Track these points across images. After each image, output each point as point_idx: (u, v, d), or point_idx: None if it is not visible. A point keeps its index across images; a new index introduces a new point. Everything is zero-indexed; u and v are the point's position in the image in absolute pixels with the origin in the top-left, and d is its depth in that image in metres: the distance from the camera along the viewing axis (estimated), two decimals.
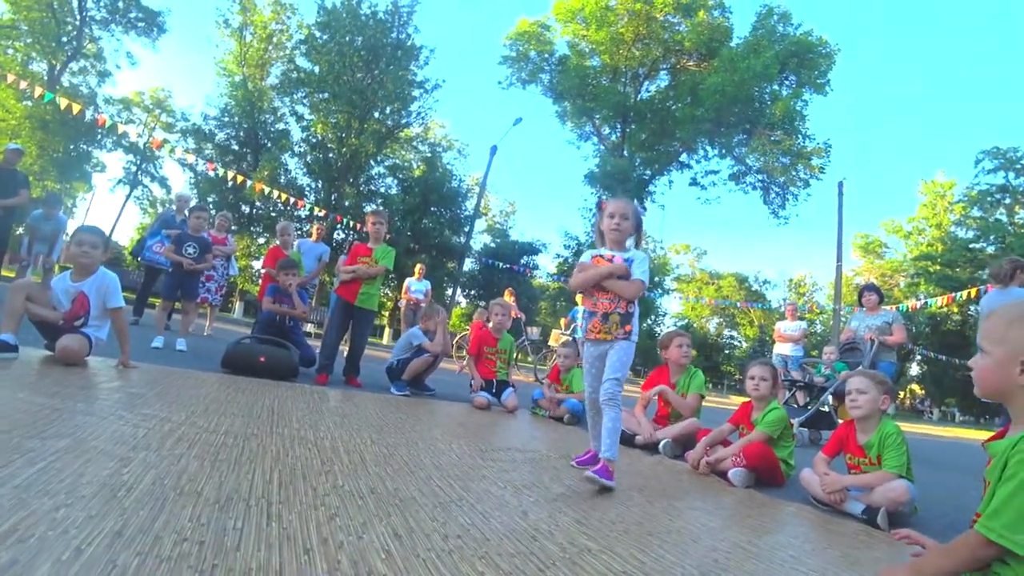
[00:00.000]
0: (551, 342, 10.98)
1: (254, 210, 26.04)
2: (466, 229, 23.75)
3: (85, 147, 25.12)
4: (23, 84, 12.08)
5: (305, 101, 25.28)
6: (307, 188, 25.52)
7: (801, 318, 9.64)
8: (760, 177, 26.83)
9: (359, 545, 1.27)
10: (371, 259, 4.67)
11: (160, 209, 32.23)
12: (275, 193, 16.65)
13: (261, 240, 25.79)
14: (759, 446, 3.08)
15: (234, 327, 11.63)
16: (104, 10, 25.27)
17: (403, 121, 26.00)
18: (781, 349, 8.84)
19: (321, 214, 16.97)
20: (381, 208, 6.48)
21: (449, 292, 22.17)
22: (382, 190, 26.15)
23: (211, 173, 21.13)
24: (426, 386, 5.03)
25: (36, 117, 21.72)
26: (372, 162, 25.61)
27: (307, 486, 1.66)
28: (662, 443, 3.73)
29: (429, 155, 29.02)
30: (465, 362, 9.63)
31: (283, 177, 25.40)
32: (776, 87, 24.41)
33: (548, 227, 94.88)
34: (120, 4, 25.33)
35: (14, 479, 1.30)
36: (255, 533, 1.24)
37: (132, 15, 25.95)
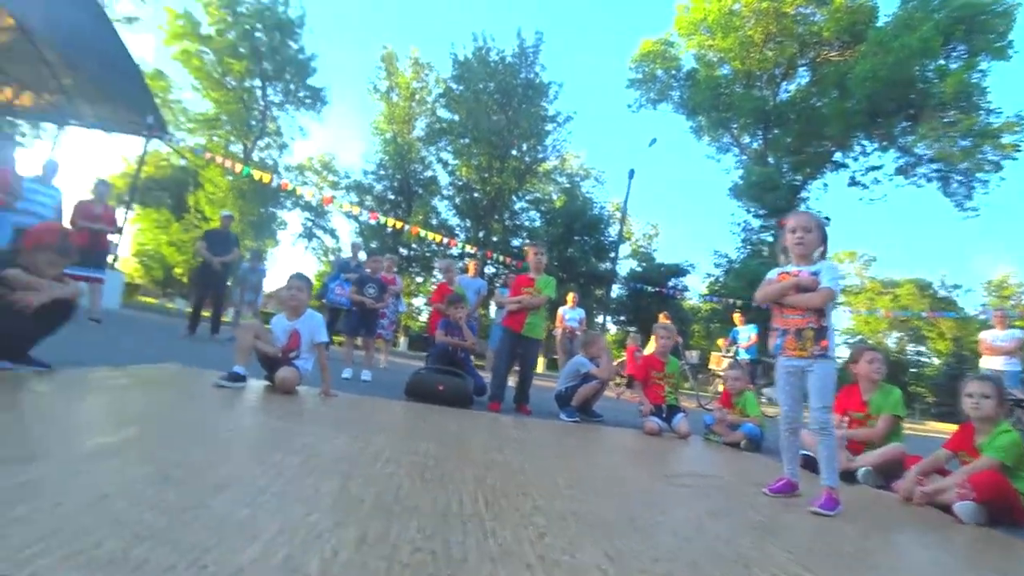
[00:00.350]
0: (711, 365, 10.45)
1: (411, 252, 28.30)
2: (611, 255, 23.63)
3: (272, 209, 29.19)
4: (227, 163, 14.45)
5: (448, 148, 27.19)
6: (457, 228, 27.21)
7: (1012, 326, 8.19)
8: (935, 166, 23.21)
9: (574, 563, 1.29)
10: (534, 289, 4.82)
11: (332, 257, 36.26)
12: (429, 235, 17.95)
13: (419, 279, 27.84)
14: (991, 475, 2.64)
15: (402, 360, 12.55)
16: (280, 94, 29.81)
17: (540, 156, 26.91)
18: (990, 363, 7.56)
19: (472, 251, 17.92)
20: (539, 240, 6.68)
21: (599, 319, 22.09)
22: (526, 223, 27.08)
23: (373, 222, 23.35)
24: (594, 412, 5.03)
25: (236, 188, 25.99)
26: (514, 197, 26.71)
27: (511, 506, 1.72)
28: (861, 471, 3.35)
29: (568, 186, 29.61)
30: (621, 388, 9.50)
31: (435, 219, 27.33)
32: (942, 62, 20.97)
33: (695, 247, 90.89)
34: (291, 87, 29.65)
35: (271, 487, 1.51)
36: (477, 547, 1.31)
37: (301, 94, 30.18)
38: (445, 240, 18.21)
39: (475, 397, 4.75)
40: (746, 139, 27.07)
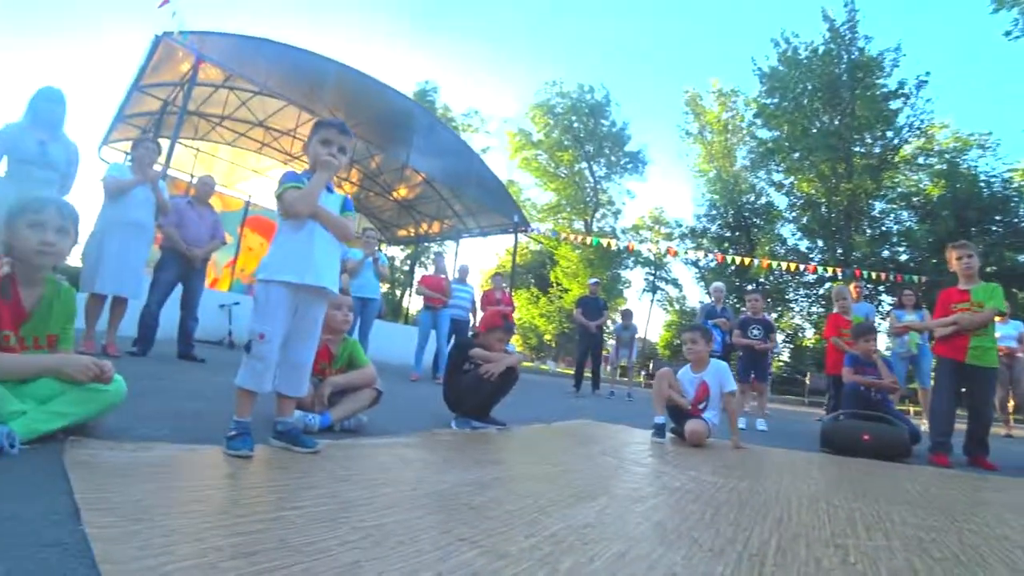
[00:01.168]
0: None
1: (761, 286, 26.64)
2: None
3: (616, 271, 31.38)
4: (575, 239, 16.20)
5: (778, 167, 25.08)
6: (809, 250, 24.44)
7: None
8: None
9: None
10: (971, 303, 3.78)
11: (677, 306, 36.62)
12: (780, 264, 16.56)
13: (773, 314, 25.77)
14: None
15: (771, 405, 11.48)
16: (604, 168, 32.91)
17: (894, 142, 22.43)
18: None
19: (831, 272, 15.76)
20: (964, 241, 5.03)
21: None
22: (895, 227, 22.51)
23: (715, 264, 22.85)
24: None
25: (584, 259, 29.06)
26: (872, 201, 22.68)
27: None
28: None
29: (943, 167, 23.61)
30: None
31: (781, 247, 25.18)
32: None
33: None
34: (612, 158, 32.41)
35: (770, 557, 1.38)
36: None
37: (623, 162, 32.62)
38: (802, 267, 16.42)
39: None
40: None
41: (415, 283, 32.75)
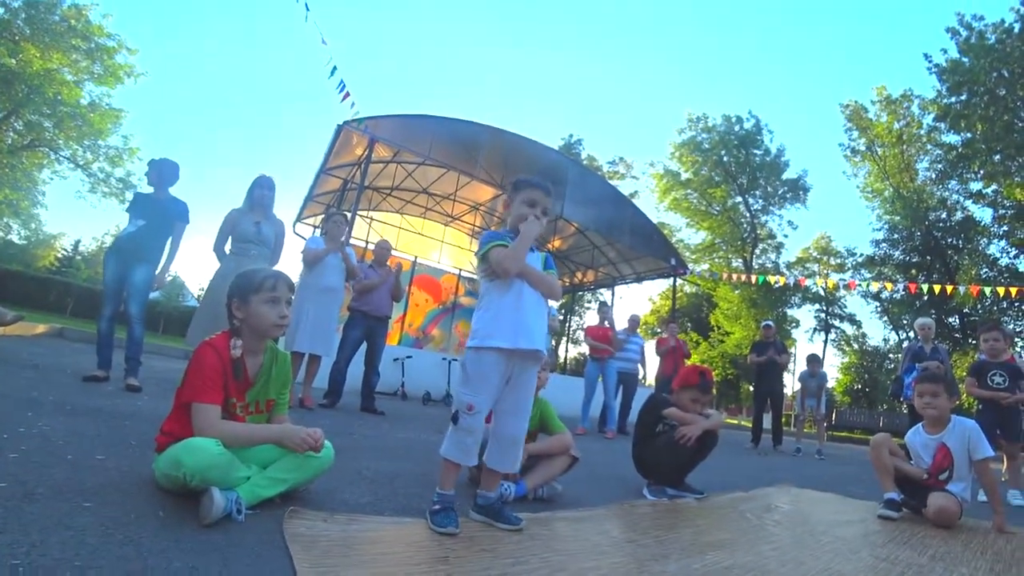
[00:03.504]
0: None
1: (964, 319, 22.75)
2: None
3: (781, 310, 28.47)
4: (735, 278, 15.09)
5: (975, 175, 21.55)
6: None
7: None
8: None
9: None
10: None
11: (855, 345, 32.32)
12: (995, 290, 13.95)
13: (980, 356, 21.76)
14: None
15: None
16: (760, 200, 30.39)
17: None
18: None
19: None
20: None
21: None
22: None
23: (905, 294, 19.95)
24: None
25: (746, 299, 26.83)
26: None
27: None
28: None
29: None
30: None
31: (988, 269, 21.45)
32: None
33: None
34: (769, 189, 29.93)
35: None
36: None
37: (780, 192, 30.04)
38: None
39: None
40: None
41: (570, 333, 32.60)
